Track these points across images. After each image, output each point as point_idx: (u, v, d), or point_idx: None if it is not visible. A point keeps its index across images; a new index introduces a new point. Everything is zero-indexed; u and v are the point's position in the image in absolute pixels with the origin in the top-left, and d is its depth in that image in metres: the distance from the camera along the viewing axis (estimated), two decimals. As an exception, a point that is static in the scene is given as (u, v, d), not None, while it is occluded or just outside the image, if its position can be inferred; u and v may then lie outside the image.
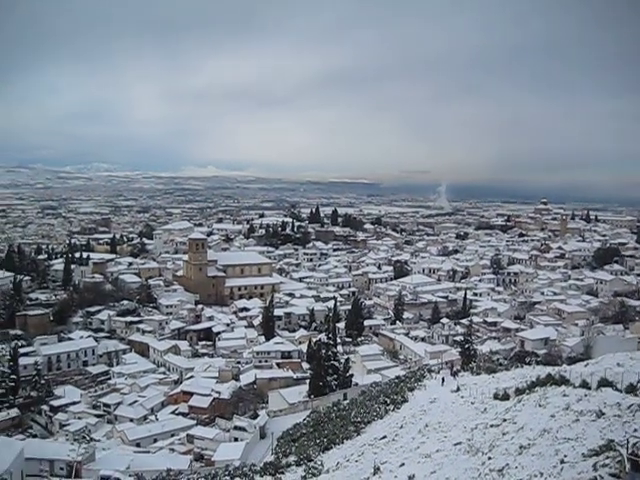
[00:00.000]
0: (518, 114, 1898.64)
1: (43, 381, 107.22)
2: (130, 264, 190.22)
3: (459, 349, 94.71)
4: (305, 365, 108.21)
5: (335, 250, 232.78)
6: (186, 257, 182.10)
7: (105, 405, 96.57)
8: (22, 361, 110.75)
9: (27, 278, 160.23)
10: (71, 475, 33.59)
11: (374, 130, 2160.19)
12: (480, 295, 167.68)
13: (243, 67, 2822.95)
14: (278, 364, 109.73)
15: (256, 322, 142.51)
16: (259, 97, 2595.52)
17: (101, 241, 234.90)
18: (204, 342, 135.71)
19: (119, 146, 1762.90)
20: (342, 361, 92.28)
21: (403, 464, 27.36)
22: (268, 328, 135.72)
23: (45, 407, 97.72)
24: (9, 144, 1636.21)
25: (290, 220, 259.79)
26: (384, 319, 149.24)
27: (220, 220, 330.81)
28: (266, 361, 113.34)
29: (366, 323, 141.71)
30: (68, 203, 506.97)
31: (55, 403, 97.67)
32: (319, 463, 37.03)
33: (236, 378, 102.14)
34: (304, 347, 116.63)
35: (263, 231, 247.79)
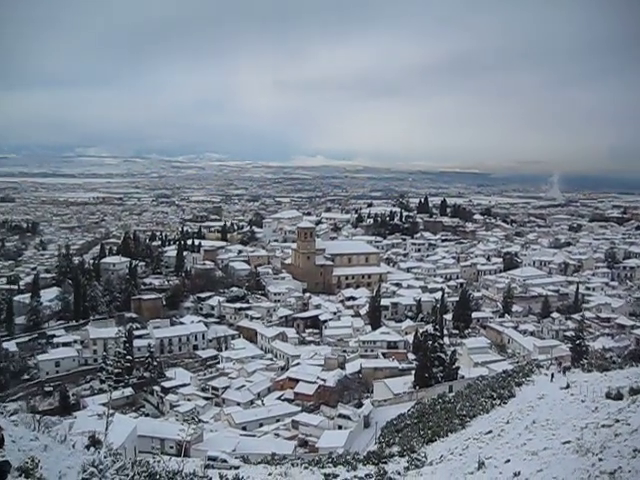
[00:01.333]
0: (635, 102, 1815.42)
1: (155, 363, 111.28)
2: (240, 252, 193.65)
3: (570, 345, 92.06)
4: (411, 356, 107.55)
5: (443, 241, 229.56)
6: (295, 245, 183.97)
7: (213, 388, 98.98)
8: (136, 343, 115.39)
9: (142, 264, 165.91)
10: (180, 454, 34.47)
11: (485, 119, 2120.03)
12: (593, 290, 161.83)
13: (355, 55, 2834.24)
14: (384, 354, 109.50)
15: (363, 311, 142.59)
16: (370, 86, 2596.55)
17: (212, 229, 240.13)
18: (311, 330, 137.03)
19: (231, 136, 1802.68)
20: (448, 353, 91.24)
21: (508, 460, 26.63)
22: (375, 318, 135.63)
23: (157, 388, 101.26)
24: (126, 135, 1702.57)
25: (398, 210, 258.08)
26: (492, 312, 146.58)
27: (328, 209, 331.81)
28: (372, 350, 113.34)
29: (474, 315, 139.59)
30: (181, 192, 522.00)
31: (166, 384, 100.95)
32: (422, 455, 36.57)
33: (342, 366, 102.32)
34: (410, 338, 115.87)
35: (371, 220, 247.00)
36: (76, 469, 15.31)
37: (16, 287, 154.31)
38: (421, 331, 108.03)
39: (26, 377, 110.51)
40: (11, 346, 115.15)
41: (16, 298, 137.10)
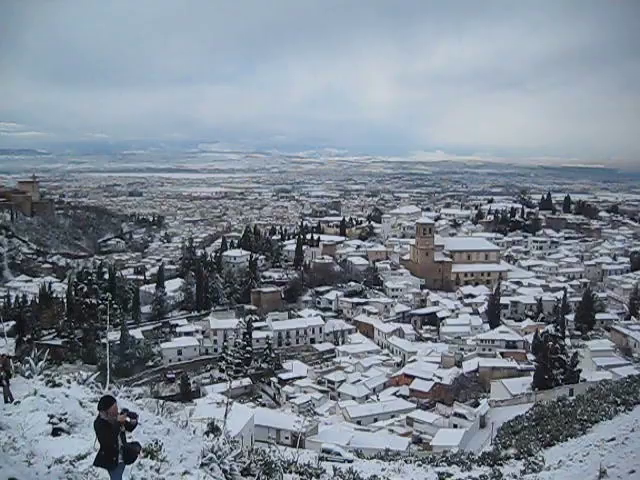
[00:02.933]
0: None
1: (273, 354, 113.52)
2: (358, 247, 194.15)
3: None
4: (530, 356, 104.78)
5: (567, 238, 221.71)
6: (413, 241, 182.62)
7: (329, 382, 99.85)
8: (255, 335, 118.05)
9: (262, 257, 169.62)
10: (295, 445, 35.15)
11: (610, 112, 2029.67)
12: None
13: (476, 49, 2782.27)
14: (502, 353, 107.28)
15: (481, 309, 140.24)
16: (490, 79, 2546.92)
17: (331, 223, 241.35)
18: (428, 326, 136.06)
19: (350, 131, 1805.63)
20: (570, 355, 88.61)
21: (633, 471, 25.56)
22: (493, 316, 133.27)
23: (274, 379, 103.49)
24: (248, 131, 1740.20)
25: (520, 206, 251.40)
26: (617, 314, 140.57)
27: (448, 205, 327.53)
28: (490, 349, 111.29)
29: (597, 317, 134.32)
30: (301, 187, 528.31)
31: (283, 376, 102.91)
32: (540, 459, 35.62)
33: (458, 364, 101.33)
34: (530, 338, 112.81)
35: (491, 217, 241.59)
36: (196, 454, 15.86)
37: (142, 277, 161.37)
38: (541, 331, 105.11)
39: (150, 364, 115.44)
40: (137, 333, 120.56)
41: (142, 288, 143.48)
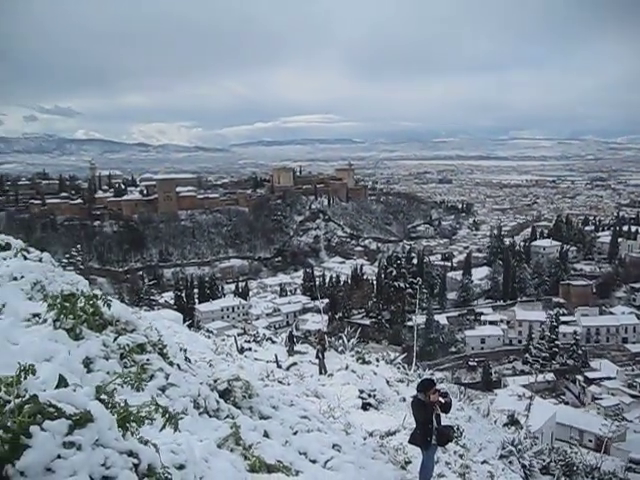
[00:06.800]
0: None
1: (580, 351, 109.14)
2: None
3: None
4: None
5: None
6: None
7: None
8: (562, 329, 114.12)
9: (573, 248, 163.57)
10: (600, 450, 33.75)
11: None
12: None
13: None
14: None
15: None
16: None
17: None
18: None
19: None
20: None
21: None
22: None
23: (579, 377, 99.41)
24: (561, 116, 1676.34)
25: None
26: None
27: None
28: None
29: None
30: (618, 175, 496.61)
31: (590, 375, 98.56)
32: None
33: None
34: None
35: None
36: (495, 444, 16.20)
37: (449, 264, 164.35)
38: None
39: (453, 350, 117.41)
40: (442, 319, 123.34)
41: (449, 274, 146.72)
